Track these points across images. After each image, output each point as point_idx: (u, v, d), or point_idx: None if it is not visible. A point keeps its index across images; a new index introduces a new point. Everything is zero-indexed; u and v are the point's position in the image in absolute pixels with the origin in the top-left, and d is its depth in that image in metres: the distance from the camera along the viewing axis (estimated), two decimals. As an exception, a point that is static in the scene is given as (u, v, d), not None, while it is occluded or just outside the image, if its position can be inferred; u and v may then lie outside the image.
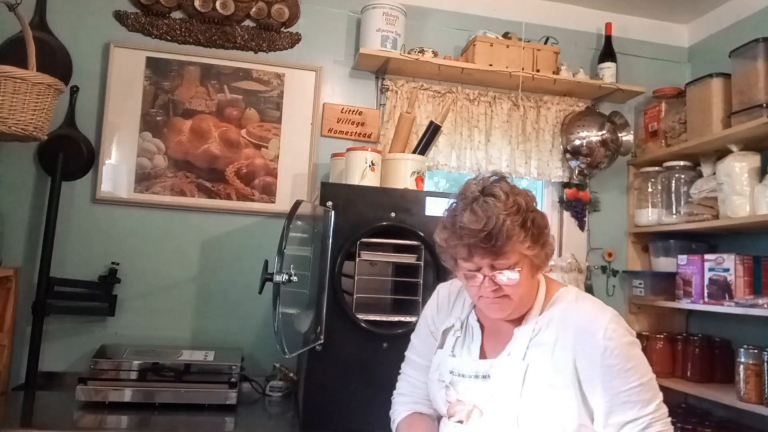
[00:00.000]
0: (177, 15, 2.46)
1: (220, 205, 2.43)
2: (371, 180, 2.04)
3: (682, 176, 2.56)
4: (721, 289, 2.21)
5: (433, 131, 2.29)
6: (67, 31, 2.35)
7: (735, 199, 2.20)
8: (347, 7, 2.62)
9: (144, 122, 2.39)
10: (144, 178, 2.37)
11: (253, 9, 2.48)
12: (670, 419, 1.13)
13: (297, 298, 1.84)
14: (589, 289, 2.70)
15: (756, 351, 2.02)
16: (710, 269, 2.27)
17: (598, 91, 2.72)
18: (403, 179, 2.11)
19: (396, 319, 1.92)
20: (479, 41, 2.54)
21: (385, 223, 1.92)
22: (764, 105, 2.11)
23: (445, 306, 1.37)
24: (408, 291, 1.99)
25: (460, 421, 1.19)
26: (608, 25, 2.79)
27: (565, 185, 2.75)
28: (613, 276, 2.79)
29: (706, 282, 2.28)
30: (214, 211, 2.43)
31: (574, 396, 1.12)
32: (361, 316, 1.87)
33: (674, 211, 2.57)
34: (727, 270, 2.20)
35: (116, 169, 2.36)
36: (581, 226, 2.77)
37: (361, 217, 1.90)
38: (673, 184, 2.58)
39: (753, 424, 2.19)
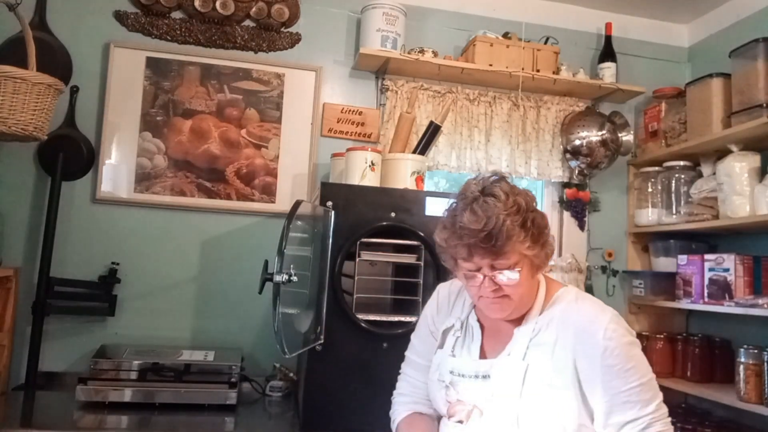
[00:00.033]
0: (177, 15, 2.46)
1: (220, 205, 2.43)
2: (371, 180, 2.04)
3: (682, 176, 2.56)
4: (721, 289, 2.21)
5: (433, 131, 2.29)
6: (67, 31, 2.35)
7: (735, 199, 2.20)
8: (347, 7, 2.62)
9: (144, 122, 2.39)
10: (144, 178, 2.37)
11: (253, 9, 2.48)
12: (669, 419, 1.13)
13: (297, 298, 1.84)
14: (589, 289, 2.70)
15: (756, 351, 2.02)
16: (710, 269, 2.27)
17: (598, 91, 2.72)
18: (403, 179, 2.11)
19: (396, 319, 1.92)
20: (479, 41, 2.54)
21: (385, 223, 1.92)
22: (764, 105, 2.11)
23: (445, 306, 1.37)
24: (408, 291, 1.99)
25: (460, 421, 1.19)
26: (608, 25, 2.79)
27: (565, 185, 2.75)
28: (613, 276, 2.79)
29: (706, 282, 2.28)
30: (214, 211, 2.43)
31: (574, 396, 1.12)
32: (361, 316, 1.88)
33: (674, 211, 2.57)
34: (727, 270, 2.20)
35: (116, 169, 2.36)
36: (581, 226, 2.77)
37: (361, 217, 1.90)
38: (673, 184, 2.58)
39: (753, 424, 2.19)
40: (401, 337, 1.84)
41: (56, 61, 2.28)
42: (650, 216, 2.68)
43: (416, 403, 1.37)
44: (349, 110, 2.57)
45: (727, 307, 2.15)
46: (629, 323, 1.22)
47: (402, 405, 1.39)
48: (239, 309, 2.39)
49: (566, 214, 2.77)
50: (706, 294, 2.27)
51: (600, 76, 2.72)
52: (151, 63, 2.41)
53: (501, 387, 1.16)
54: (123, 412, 1.86)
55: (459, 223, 1.13)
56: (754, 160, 2.22)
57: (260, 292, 1.74)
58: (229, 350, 2.17)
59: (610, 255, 2.80)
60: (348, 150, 2.12)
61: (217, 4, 2.44)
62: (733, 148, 2.25)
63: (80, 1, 2.38)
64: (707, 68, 2.49)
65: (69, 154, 2.26)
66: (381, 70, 2.58)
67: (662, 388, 1.15)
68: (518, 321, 1.22)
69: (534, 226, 1.14)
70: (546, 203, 2.80)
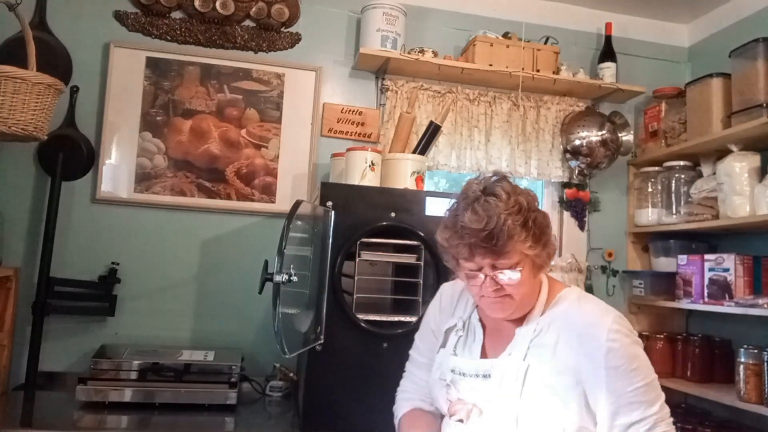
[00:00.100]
0: (177, 15, 2.46)
1: (220, 205, 2.43)
2: (371, 180, 2.04)
3: (682, 176, 2.56)
4: (721, 289, 2.21)
5: (433, 131, 2.29)
6: (67, 31, 2.35)
7: (735, 199, 2.20)
8: (347, 7, 2.62)
9: (144, 122, 2.39)
10: (144, 178, 2.37)
11: (253, 9, 2.48)
12: (672, 419, 1.13)
13: (297, 298, 1.84)
14: (589, 289, 2.70)
15: (756, 351, 2.02)
16: (710, 269, 2.27)
17: (598, 91, 2.72)
18: (403, 179, 2.11)
19: (396, 319, 1.92)
20: (479, 41, 2.54)
21: (385, 223, 1.92)
22: (764, 105, 2.11)
23: (448, 305, 1.37)
24: (408, 291, 1.99)
25: (461, 420, 1.19)
26: (608, 25, 2.79)
27: (565, 185, 2.75)
28: (613, 276, 2.79)
29: (706, 282, 2.28)
30: (214, 211, 2.43)
31: (574, 397, 1.12)
32: (361, 316, 1.88)
33: (674, 211, 2.57)
34: (727, 270, 2.20)
35: (116, 169, 2.36)
36: (581, 226, 2.77)
37: (361, 217, 1.90)
38: (673, 184, 2.58)
39: (753, 424, 2.19)
40: (401, 337, 1.85)
41: (56, 61, 2.28)
42: (650, 216, 2.68)
43: (419, 400, 1.38)
44: (349, 110, 2.57)
45: (727, 307, 2.15)
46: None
47: (405, 401, 1.41)
48: (239, 309, 2.39)
49: (566, 214, 2.77)
50: (706, 294, 2.27)
51: (600, 76, 2.72)
52: (151, 63, 2.41)
53: (501, 387, 1.16)
54: (123, 412, 1.86)
55: (460, 222, 1.13)
56: (754, 160, 2.22)
57: (260, 292, 1.73)
58: (229, 350, 2.17)
59: (610, 255, 2.80)
60: (348, 150, 2.12)
61: (217, 4, 2.44)
62: (733, 148, 2.25)
63: (80, 1, 2.38)
64: (707, 68, 2.49)
65: (69, 154, 2.26)
66: (381, 70, 2.58)
67: (662, 388, 1.15)
68: (520, 321, 1.22)
69: (535, 226, 1.14)
70: (546, 203, 2.80)
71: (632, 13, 2.88)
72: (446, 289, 1.42)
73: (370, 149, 2.09)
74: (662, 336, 2.54)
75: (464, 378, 1.22)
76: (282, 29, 2.54)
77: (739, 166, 2.21)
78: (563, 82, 2.62)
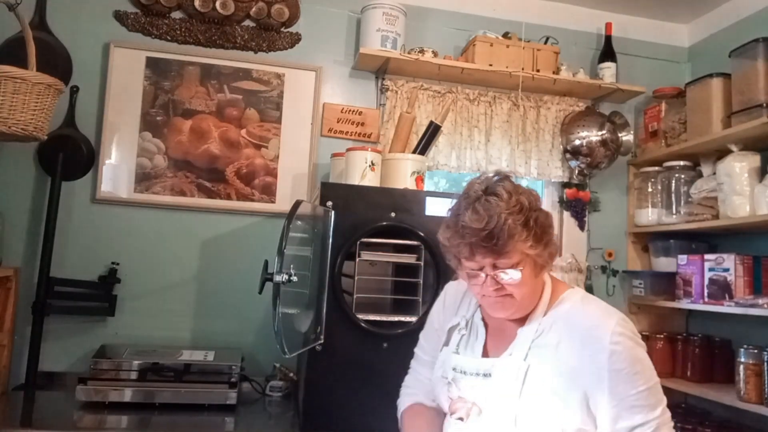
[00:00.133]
0: (177, 15, 2.46)
1: (220, 205, 2.43)
2: (371, 180, 2.04)
3: (682, 176, 2.56)
4: (721, 289, 2.21)
5: (433, 131, 2.29)
6: (67, 31, 2.35)
7: (735, 199, 2.20)
8: (347, 7, 2.62)
9: (144, 122, 2.39)
10: (144, 178, 2.37)
11: (253, 9, 2.48)
12: (672, 423, 1.12)
13: (297, 298, 1.84)
14: (589, 289, 2.70)
15: (756, 351, 2.02)
16: (710, 269, 2.27)
17: (598, 91, 2.72)
18: (403, 179, 2.11)
19: (396, 319, 1.92)
20: (479, 41, 2.54)
21: (385, 223, 1.92)
22: (764, 105, 2.11)
23: (452, 304, 1.38)
24: (408, 291, 1.99)
25: (461, 419, 1.20)
26: (608, 25, 2.79)
27: (565, 185, 2.75)
28: (613, 276, 2.79)
29: (706, 282, 2.28)
30: (214, 211, 2.43)
31: (575, 399, 1.11)
32: (361, 316, 1.88)
33: (674, 211, 2.57)
34: (727, 270, 2.20)
35: (116, 169, 2.36)
36: (581, 226, 2.77)
37: (361, 217, 1.90)
38: (673, 184, 2.58)
39: (753, 424, 2.19)
40: (401, 337, 1.85)
41: (56, 61, 2.28)
42: (650, 216, 2.68)
43: (421, 396, 1.39)
44: (349, 110, 2.57)
45: (727, 307, 2.15)
46: (628, 323, 1.21)
47: (407, 396, 1.42)
48: (239, 309, 2.39)
49: (566, 214, 2.77)
50: (706, 294, 2.27)
51: (600, 76, 2.72)
52: (151, 63, 2.41)
53: (501, 386, 1.16)
54: (123, 412, 1.86)
55: (461, 222, 1.13)
56: (754, 160, 2.22)
57: (260, 292, 1.73)
58: (229, 350, 2.17)
59: (610, 255, 2.80)
60: (348, 150, 2.12)
61: (217, 4, 2.44)
62: (733, 148, 2.25)
63: (80, 1, 2.38)
64: (707, 68, 2.49)
65: (69, 154, 2.26)
66: (381, 70, 2.58)
67: (662, 388, 1.14)
68: (522, 321, 1.21)
69: (537, 226, 1.13)
70: (546, 203, 2.80)
71: (632, 13, 2.88)
72: (451, 287, 1.43)
73: (370, 149, 2.09)
74: (662, 336, 2.54)
75: (465, 376, 1.22)
76: (282, 29, 2.54)
77: (739, 166, 2.21)
78: (563, 82, 2.62)
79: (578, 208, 2.75)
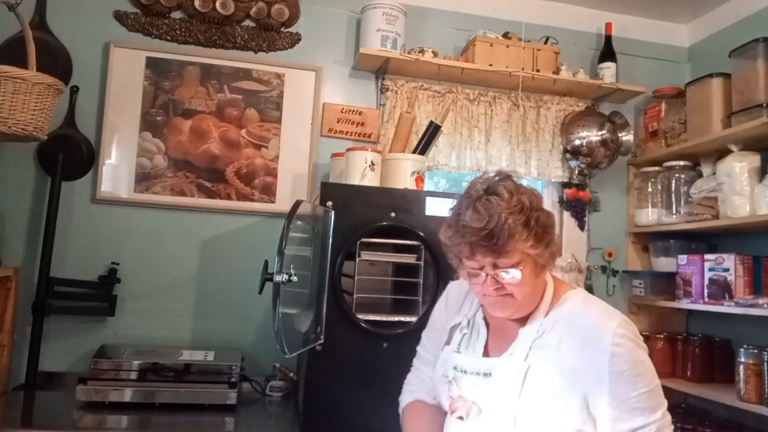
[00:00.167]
0: (177, 15, 2.46)
1: (220, 205, 2.43)
2: (371, 180, 2.04)
3: (682, 176, 2.56)
4: (721, 289, 2.21)
5: (433, 131, 2.29)
6: (67, 31, 2.35)
7: (735, 199, 2.20)
8: (347, 7, 2.62)
9: (144, 122, 2.39)
10: (144, 178, 2.37)
11: (253, 9, 2.48)
12: (673, 427, 1.12)
13: (297, 298, 1.84)
14: (589, 289, 2.70)
15: (756, 351, 2.02)
16: (710, 269, 2.27)
17: (598, 91, 2.72)
18: (403, 179, 2.11)
19: (396, 319, 1.92)
20: (479, 41, 2.54)
21: (385, 223, 1.92)
22: (764, 105, 2.11)
23: (454, 304, 1.38)
24: (408, 291, 1.99)
25: (461, 418, 1.20)
26: (608, 25, 2.79)
27: (565, 185, 2.75)
28: (613, 276, 2.79)
29: (706, 282, 2.28)
30: (214, 211, 2.43)
31: (574, 400, 1.11)
32: (361, 316, 1.87)
33: (674, 211, 2.57)
34: (727, 270, 2.20)
35: (116, 169, 2.36)
36: (581, 226, 2.77)
37: (361, 217, 1.90)
38: (673, 184, 2.58)
39: (753, 424, 2.19)
40: (401, 337, 1.85)
41: (56, 61, 2.28)
42: (650, 216, 2.68)
43: (423, 393, 1.40)
44: (349, 110, 2.57)
45: (727, 307, 2.15)
46: (628, 323, 1.21)
47: (409, 393, 1.43)
48: (239, 309, 2.39)
49: (566, 214, 2.77)
50: (706, 294, 2.27)
51: (600, 76, 2.72)
52: (151, 63, 2.41)
53: (501, 386, 1.16)
54: (123, 412, 1.86)
55: (462, 221, 1.13)
56: (754, 160, 2.22)
57: (260, 292, 1.74)
58: (229, 350, 2.17)
59: (610, 255, 2.80)
60: (348, 150, 2.12)
61: (217, 4, 2.44)
62: (733, 148, 2.25)
63: (80, 1, 2.38)
64: (707, 68, 2.49)
65: (69, 154, 2.26)
66: (381, 70, 2.58)
67: (662, 388, 1.14)
68: (524, 321, 1.21)
69: (538, 225, 1.13)
70: (546, 203, 2.74)
71: (632, 13, 2.88)
72: (453, 287, 1.43)
73: (370, 149, 2.09)
74: (662, 336, 2.54)
75: (466, 375, 1.22)
76: (282, 29, 2.54)
77: (739, 166, 2.21)
78: (563, 82, 2.62)
79: (578, 208, 2.75)
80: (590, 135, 2.61)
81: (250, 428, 1.91)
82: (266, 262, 1.73)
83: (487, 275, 1.15)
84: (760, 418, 2.03)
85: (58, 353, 2.24)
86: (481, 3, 2.76)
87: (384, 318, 1.91)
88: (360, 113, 2.58)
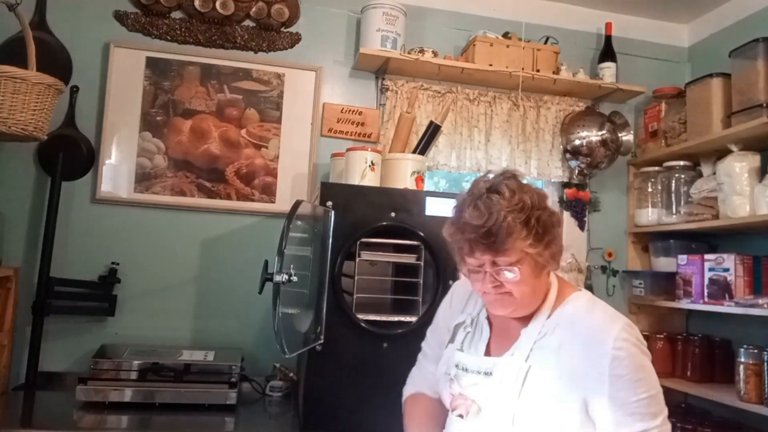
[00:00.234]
0: (177, 15, 2.46)
1: (220, 205, 2.43)
2: (371, 180, 2.04)
3: (682, 176, 2.56)
4: (721, 289, 2.21)
5: (433, 131, 2.29)
6: (67, 31, 2.35)
7: (735, 199, 2.20)
8: (347, 7, 2.62)
9: (144, 122, 2.39)
10: (144, 178, 2.37)
11: (253, 9, 2.48)
12: None
13: (297, 298, 1.84)
14: (588, 289, 2.68)
15: (756, 351, 2.02)
16: (710, 269, 2.27)
17: (598, 91, 2.72)
18: (403, 179, 2.11)
19: (396, 319, 1.92)
20: (479, 41, 2.54)
21: (385, 223, 1.92)
22: (764, 105, 2.11)
23: (458, 303, 1.38)
24: (408, 291, 1.99)
25: (461, 416, 1.20)
26: (608, 25, 2.79)
27: (565, 185, 2.75)
28: (613, 276, 2.79)
29: (706, 282, 2.28)
30: (214, 211, 2.43)
31: (575, 402, 1.11)
32: (361, 316, 1.88)
33: (674, 211, 2.57)
34: (727, 270, 2.20)
35: (116, 169, 2.36)
36: (581, 226, 2.77)
37: (361, 217, 1.90)
38: (673, 184, 2.58)
39: (753, 424, 2.19)
40: (401, 337, 1.85)
41: (56, 61, 2.28)
42: (650, 216, 2.68)
43: (425, 387, 1.41)
44: (349, 110, 2.57)
45: (727, 307, 2.15)
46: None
47: (411, 386, 1.45)
48: (239, 309, 2.39)
49: (566, 214, 2.76)
50: (706, 294, 2.27)
51: (600, 76, 2.72)
52: (151, 63, 2.41)
53: (500, 385, 1.16)
54: (123, 412, 1.86)
55: (462, 218, 1.14)
56: (754, 160, 2.22)
57: (260, 292, 1.73)
58: (229, 350, 2.17)
59: (610, 255, 2.80)
60: (348, 150, 2.12)
61: (217, 4, 2.44)
62: (733, 148, 2.25)
63: (80, 1, 2.38)
64: (707, 68, 2.49)
65: (69, 154, 2.26)
66: (381, 70, 2.58)
67: (662, 388, 1.14)
68: (526, 321, 1.21)
69: (538, 225, 1.13)
70: (546, 203, 2.79)
71: (632, 13, 2.88)
72: (458, 286, 1.43)
73: (370, 149, 2.09)
74: (662, 336, 2.54)
75: (467, 374, 1.22)
76: (282, 29, 2.54)
77: (739, 166, 2.21)
78: (563, 82, 2.62)
79: (578, 208, 2.75)
80: (590, 135, 2.61)
81: (250, 428, 1.91)
82: (266, 262, 1.73)
83: (486, 272, 1.15)
84: (760, 418, 2.03)
85: (58, 353, 2.24)
86: (481, 3, 2.76)
87: (384, 318, 1.91)
88: (360, 113, 2.58)
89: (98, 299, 2.25)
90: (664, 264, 2.65)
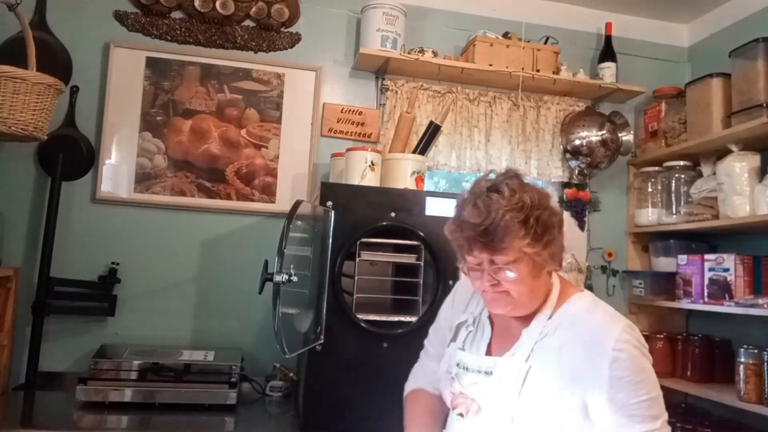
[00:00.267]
0: (177, 15, 2.46)
1: (220, 205, 2.43)
2: (371, 180, 2.04)
3: (682, 176, 2.56)
4: (721, 289, 2.21)
5: (433, 131, 2.29)
6: (67, 31, 2.35)
7: (735, 199, 2.20)
8: (347, 7, 2.62)
9: (144, 122, 2.39)
10: (144, 178, 2.37)
11: (253, 9, 2.48)
12: None
13: (297, 298, 1.84)
14: (588, 289, 2.68)
15: (756, 351, 2.02)
16: (710, 269, 2.27)
17: (598, 91, 2.72)
18: (403, 179, 2.11)
19: (396, 319, 1.92)
20: (479, 41, 2.54)
21: (385, 223, 1.92)
22: (764, 105, 2.11)
23: (461, 302, 1.39)
24: (408, 291, 1.99)
25: (461, 414, 1.20)
26: (608, 25, 2.79)
27: (565, 185, 2.75)
28: (613, 276, 2.79)
29: (706, 282, 2.28)
30: (214, 211, 2.43)
31: (574, 403, 1.11)
32: (361, 316, 1.88)
33: (674, 211, 2.57)
34: (727, 270, 2.20)
35: (116, 169, 2.36)
36: (581, 226, 2.77)
37: (361, 217, 1.90)
38: (673, 184, 2.58)
39: (753, 424, 2.19)
40: (401, 337, 1.85)
41: (56, 61, 2.28)
42: (650, 216, 2.68)
43: (426, 384, 1.42)
44: (349, 110, 2.57)
45: (727, 307, 2.15)
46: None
47: (413, 381, 1.46)
48: (239, 309, 2.39)
49: (566, 214, 2.76)
50: (706, 294, 2.27)
51: (600, 76, 2.72)
52: (151, 63, 2.41)
53: (501, 385, 1.16)
54: (123, 412, 1.86)
55: (462, 217, 1.14)
56: (754, 160, 2.22)
57: (260, 292, 1.74)
58: (229, 350, 2.17)
59: (610, 255, 2.80)
60: (348, 150, 2.12)
61: (217, 4, 2.44)
62: (733, 148, 2.25)
63: (80, 1, 2.38)
64: (707, 68, 2.49)
65: (69, 154, 2.26)
66: (381, 70, 2.58)
67: (662, 388, 1.13)
68: (527, 321, 1.21)
69: (538, 224, 1.13)
70: (546, 203, 2.79)
71: (632, 13, 2.88)
72: (461, 285, 1.43)
73: (370, 149, 2.09)
74: (662, 336, 2.54)
75: (467, 373, 1.23)
76: (282, 29, 2.54)
77: (739, 166, 2.21)
78: (563, 82, 2.62)
79: (578, 208, 2.75)
80: (590, 135, 2.61)
81: (250, 428, 1.91)
82: (266, 262, 1.73)
83: (484, 271, 1.15)
84: (760, 418, 2.03)
85: (58, 353, 2.24)
86: (481, 3, 2.76)
87: (384, 318, 1.91)
88: (360, 113, 2.58)
89: (98, 299, 2.26)
90: (664, 264, 2.65)
